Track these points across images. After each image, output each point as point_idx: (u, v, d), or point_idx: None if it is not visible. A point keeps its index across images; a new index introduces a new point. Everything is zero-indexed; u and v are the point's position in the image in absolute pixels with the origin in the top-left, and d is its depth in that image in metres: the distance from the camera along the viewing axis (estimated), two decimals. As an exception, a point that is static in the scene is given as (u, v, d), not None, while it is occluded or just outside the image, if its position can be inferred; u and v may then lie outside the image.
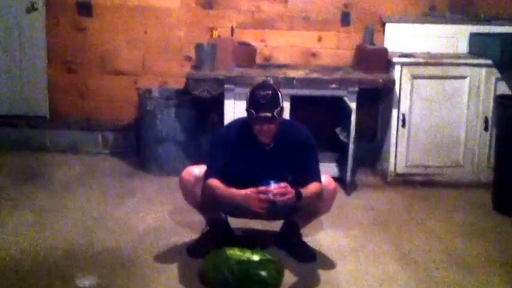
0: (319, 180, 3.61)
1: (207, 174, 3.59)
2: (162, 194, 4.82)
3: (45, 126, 5.84)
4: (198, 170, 3.74)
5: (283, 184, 3.39)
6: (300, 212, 3.74)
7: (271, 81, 3.64)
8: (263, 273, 3.34)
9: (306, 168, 3.61)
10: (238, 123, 3.74)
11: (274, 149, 3.62)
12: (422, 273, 3.73)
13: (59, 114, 5.87)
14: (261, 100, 3.46)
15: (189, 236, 4.05)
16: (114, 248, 3.90)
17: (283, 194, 3.36)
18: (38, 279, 3.48)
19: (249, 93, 3.55)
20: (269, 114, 3.44)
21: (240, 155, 3.60)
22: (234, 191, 3.47)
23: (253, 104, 3.48)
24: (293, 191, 3.41)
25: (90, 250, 3.86)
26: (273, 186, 3.36)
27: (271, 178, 3.47)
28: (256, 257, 3.40)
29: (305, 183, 3.55)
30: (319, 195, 3.61)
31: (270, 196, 3.34)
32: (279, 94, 3.52)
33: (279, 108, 3.48)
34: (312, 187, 3.55)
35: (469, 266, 3.84)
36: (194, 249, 3.82)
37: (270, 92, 3.48)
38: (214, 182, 3.51)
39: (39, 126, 5.84)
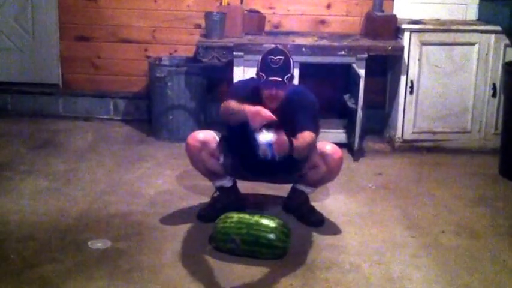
0: (313, 130, 3.51)
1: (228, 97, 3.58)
2: (173, 160, 4.89)
3: (57, 93, 5.91)
4: (203, 134, 3.78)
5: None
6: (305, 178, 3.80)
7: (284, 49, 3.60)
8: (271, 236, 3.41)
9: (300, 120, 3.54)
10: (251, 82, 3.72)
11: (278, 112, 3.56)
12: (429, 238, 3.78)
13: (71, 82, 5.94)
14: (272, 65, 3.45)
15: (199, 200, 4.12)
16: (126, 212, 3.98)
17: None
18: (51, 242, 3.57)
19: (260, 58, 3.54)
20: (279, 79, 3.44)
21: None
22: (246, 105, 3.38)
23: (264, 67, 3.48)
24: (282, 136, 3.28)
25: (103, 214, 3.94)
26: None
27: None
28: (264, 221, 3.47)
29: (298, 130, 3.47)
30: (311, 143, 3.51)
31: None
32: (291, 61, 3.51)
33: (289, 75, 3.48)
34: (305, 135, 3.44)
35: (476, 232, 3.88)
36: (204, 214, 3.89)
37: (282, 57, 3.47)
38: (230, 102, 3.48)
39: (51, 94, 5.91)
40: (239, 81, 4.01)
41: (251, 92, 3.60)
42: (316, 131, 3.57)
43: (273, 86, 3.48)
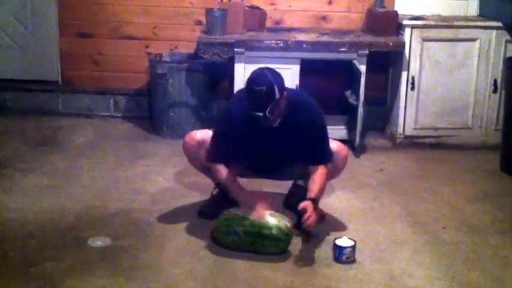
0: (326, 162, 3.62)
1: (213, 157, 3.66)
2: (174, 157, 4.87)
3: (57, 90, 5.90)
4: (200, 134, 3.79)
5: (307, 214, 3.43)
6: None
7: (268, 73, 3.42)
8: (273, 231, 3.41)
9: (312, 149, 3.61)
10: (241, 103, 3.57)
11: (280, 126, 3.55)
12: (432, 235, 3.77)
13: (72, 79, 5.93)
14: (253, 98, 3.39)
15: (200, 198, 4.11)
16: (127, 210, 3.98)
17: (308, 219, 3.43)
18: (52, 240, 3.56)
19: (245, 83, 3.49)
20: (261, 114, 3.37)
21: (247, 131, 3.56)
22: (239, 190, 3.67)
23: (247, 98, 3.44)
24: (314, 214, 3.45)
25: (103, 212, 3.93)
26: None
27: (280, 153, 3.59)
28: (267, 217, 3.46)
29: (312, 162, 3.61)
30: (327, 178, 3.68)
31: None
32: (275, 87, 3.36)
33: (274, 103, 3.37)
34: (319, 179, 3.58)
35: (478, 228, 3.87)
36: (205, 211, 3.89)
37: (265, 87, 3.35)
38: (222, 171, 3.65)
39: (51, 91, 5.90)
40: (228, 109, 3.77)
41: (245, 116, 3.49)
42: (330, 156, 3.67)
43: (257, 120, 3.44)
